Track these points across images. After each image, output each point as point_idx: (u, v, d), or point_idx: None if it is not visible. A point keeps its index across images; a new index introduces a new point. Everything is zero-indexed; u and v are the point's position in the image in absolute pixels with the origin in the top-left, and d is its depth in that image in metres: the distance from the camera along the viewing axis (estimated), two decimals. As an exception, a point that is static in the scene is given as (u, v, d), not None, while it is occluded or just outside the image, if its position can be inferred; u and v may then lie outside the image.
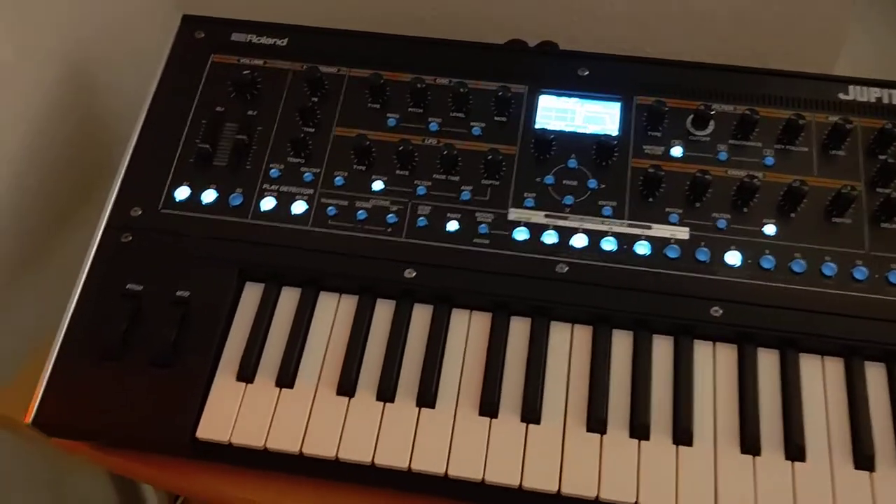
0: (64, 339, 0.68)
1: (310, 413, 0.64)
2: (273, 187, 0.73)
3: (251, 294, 0.70)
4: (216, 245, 0.71)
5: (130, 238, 0.71)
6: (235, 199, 0.73)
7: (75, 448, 0.69)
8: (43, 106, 0.83)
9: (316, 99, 0.76)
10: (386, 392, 0.65)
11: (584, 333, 0.67)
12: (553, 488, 0.60)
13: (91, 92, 0.90)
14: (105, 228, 0.72)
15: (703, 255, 0.69)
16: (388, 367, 0.66)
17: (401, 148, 0.72)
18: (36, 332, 0.74)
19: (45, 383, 0.66)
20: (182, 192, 0.73)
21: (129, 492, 0.81)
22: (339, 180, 0.73)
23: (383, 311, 0.69)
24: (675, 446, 0.62)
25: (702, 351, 0.66)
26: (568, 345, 0.66)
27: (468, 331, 0.67)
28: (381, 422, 0.64)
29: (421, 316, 0.68)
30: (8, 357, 0.77)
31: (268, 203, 0.72)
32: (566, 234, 0.69)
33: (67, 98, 0.86)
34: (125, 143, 0.75)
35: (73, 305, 0.69)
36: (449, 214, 0.71)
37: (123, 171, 0.74)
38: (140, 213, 0.72)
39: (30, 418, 0.65)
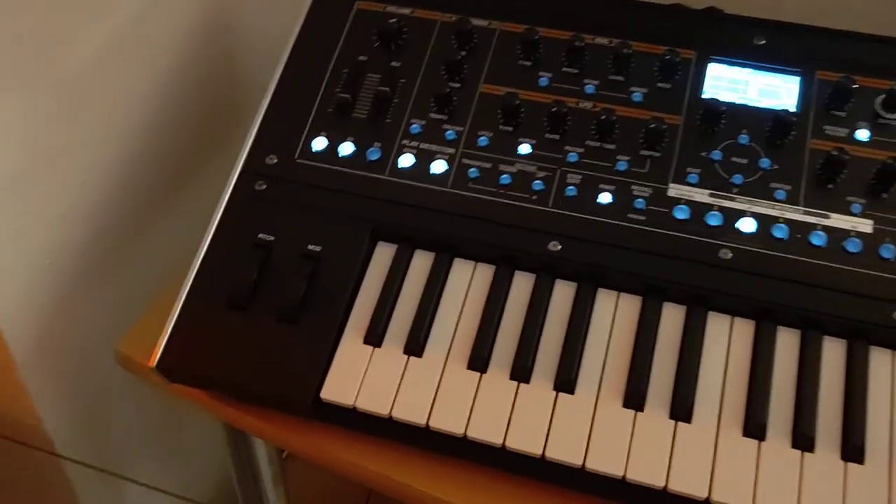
0: (192, 284, 0.66)
1: (438, 385, 0.61)
2: (413, 144, 0.69)
3: (383, 254, 0.66)
4: (350, 200, 0.67)
5: (265, 186, 0.69)
6: (373, 154, 0.69)
7: (194, 396, 0.68)
8: (185, 43, 0.82)
9: (464, 53, 0.71)
10: (521, 372, 0.60)
11: (745, 328, 0.60)
12: (702, 494, 0.55)
13: (233, 32, 0.88)
14: (240, 174, 0.70)
15: (887, 251, 0.61)
16: (524, 346, 0.61)
17: (553, 109, 0.67)
18: (163, 275, 0.73)
19: (170, 328, 0.65)
20: (319, 143, 0.70)
21: (240, 441, 0.80)
22: (483, 140, 0.68)
23: (522, 285, 0.64)
24: (843, 462, 0.55)
25: (879, 359, 0.59)
26: (726, 339, 0.60)
27: (615, 314, 0.62)
28: (514, 403, 0.59)
29: (563, 293, 0.63)
30: (135, 298, 0.76)
31: (406, 160, 0.68)
32: (732, 216, 0.63)
33: (209, 37, 0.85)
34: (264, 87, 0.73)
35: (204, 251, 0.67)
36: (602, 185, 0.65)
37: (261, 117, 0.71)
38: (276, 161, 0.70)
39: (153, 362, 0.64)
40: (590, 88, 0.69)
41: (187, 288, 0.66)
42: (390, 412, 0.60)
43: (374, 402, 0.60)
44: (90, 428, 0.81)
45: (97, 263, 0.77)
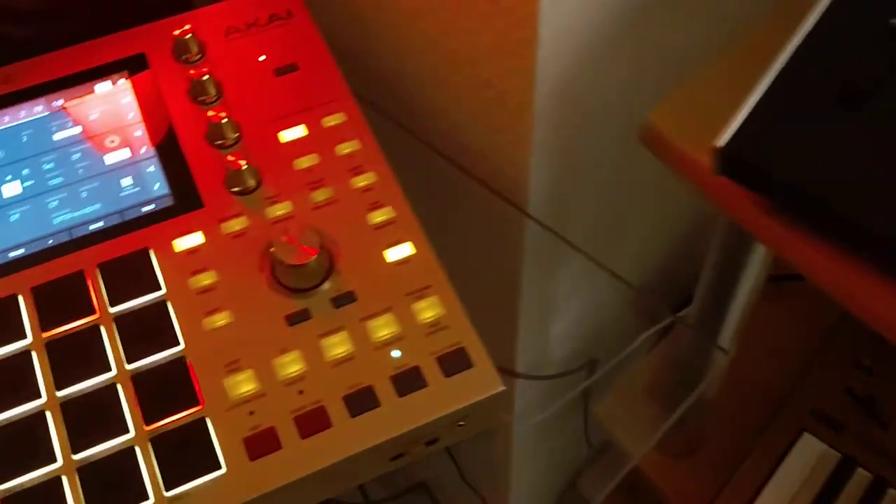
0: (787, 65, 0.53)
1: None
2: None
3: None
4: None
5: (909, -42, 0.52)
6: None
7: (729, 195, 0.57)
8: None
9: None
10: None
11: None
12: None
13: None
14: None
15: None
16: None
17: None
18: (709, 46, 0.61)
19: (747, 111, 0.53)
20: None
21: (738, 254, 0.69)
22: None
23: None
24: None
25: None
26: None
27: None
28: None
29: None
30: (667, 67, 0.65)
31: None
32: None
33: None
34: None
35: (810, 27, 0.53)
36: None
37: None
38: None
39: (719, 143, 0.53)
40: None
41: (779, 67, 0.53)
42: None
43: None
44: (565, 193, 0.75)
45: (639, 17, 0.65)
